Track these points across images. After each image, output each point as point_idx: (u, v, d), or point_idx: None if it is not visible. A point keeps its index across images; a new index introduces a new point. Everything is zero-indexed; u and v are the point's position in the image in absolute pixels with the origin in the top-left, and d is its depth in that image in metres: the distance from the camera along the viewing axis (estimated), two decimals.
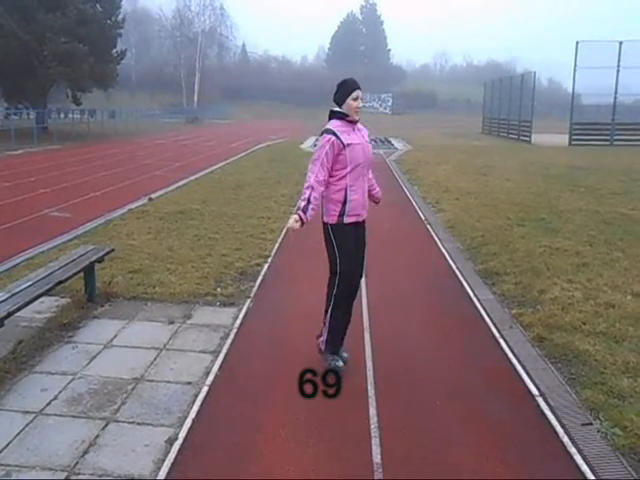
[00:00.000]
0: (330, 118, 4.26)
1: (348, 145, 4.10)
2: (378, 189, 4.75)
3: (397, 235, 9.15)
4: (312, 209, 4.03)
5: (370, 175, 4.52)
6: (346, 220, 4.21)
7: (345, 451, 3.47)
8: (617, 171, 17.60)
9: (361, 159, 4.19)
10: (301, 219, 3.95)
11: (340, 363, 4.40)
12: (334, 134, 4.10)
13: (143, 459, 3.36)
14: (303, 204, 4.01)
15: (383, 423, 3.76)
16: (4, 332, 4.45)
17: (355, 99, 4.16)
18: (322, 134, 4.18)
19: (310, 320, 5.31)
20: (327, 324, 4.39)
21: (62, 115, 42.08)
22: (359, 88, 4.19)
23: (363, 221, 4.39)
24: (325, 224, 4.27)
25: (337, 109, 4.23)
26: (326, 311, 4.40)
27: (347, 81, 4.24)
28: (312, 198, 4.02)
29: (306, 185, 4.09)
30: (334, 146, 4.08)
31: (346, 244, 4.24)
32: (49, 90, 33.56)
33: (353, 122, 4.22)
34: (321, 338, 4.48)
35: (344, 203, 4.18)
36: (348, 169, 4.14)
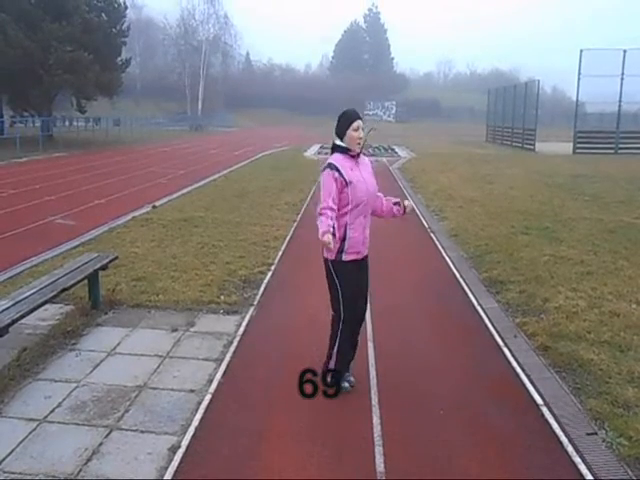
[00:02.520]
0: (332, 152, 4.19)
1: (350, 183, 4.01)
2: (398, 208, 4.46)
3: (400, 243, 9.14)
4: (333, 226, 3.91)
5: (380, 195, 4.38)
6: (345, 257, 4.12)
7: (348, 460, 3.46)
8: (621, 179, 17.58)
9: (364, 197, 4.09)
10: (332, 232, 3.85)
11: (346, 384, 4.32)
12: (337, 170, 4.01)
13: (146, 467, 3.36)
14: (328, 222, 3.87)
15: (387, 432, 3.75)
16: (8, 339, 4.44)
17: (356, 130, 4.06)
18: (324, 169, 4.09)
19: (313, 328, 5.31)
20: (334, 359, 4.27)
21: (67, 123, 42.32)
22: (360, 118, 4.11)
23: (365, 258, 4.29)
24: (326, 260, 4.18)
25: (339, 143, 4.13)
26: (330, 347, 4.29)
27: (347, 112, 4.15)
28: (331, 217, 3.91)
29: (323, 206, 3.95)
30: (337, 182, 3.99)
31: (347, 280, 4.15)
32: (54, 98, 33.70)
33: (355, 156, 4.13)
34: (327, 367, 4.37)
35: (343, 240, 4.08)
36: (349, 207, 4.06)
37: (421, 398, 4.24)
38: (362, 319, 4.40)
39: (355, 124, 4.07)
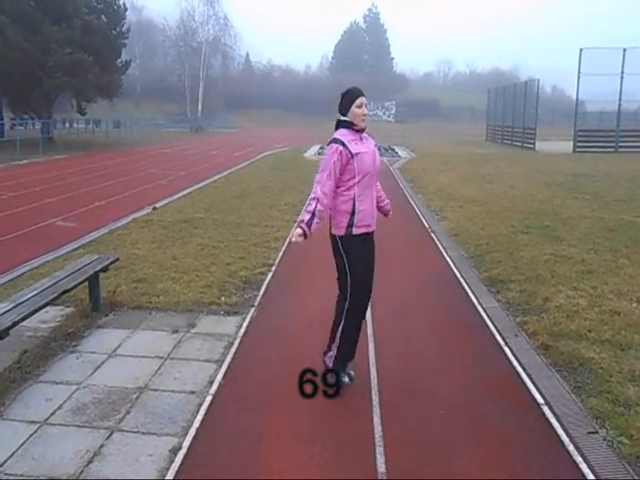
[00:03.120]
0: (337, 127, 4.18)
1: (356, 154, 4.02)
2: (388, 201, 4.65)
3: (401, 243, 9.14)
4: (317, 222, 3.95)
5: (379, 186, 4.45)
6: (355, 231, 4.10)
7: (349, 461, 3.46)
8: (622, 178, 17.58)
9: (370, 168, 4.11)
10: (304, 233, 3.88)
11: (346, 379, 4.32)
12: (342, 143, 4.01)
13: (147, 469, 3.36)
14: (307, 217, 3.93)
15: (387, 432, 3.74)
16: (9, 342, 4.44)
17: (359, 106, 4.08)
18: (329, 144, 4.10)
19: (314, 329, 5.31)
20: (337, 340, 4.27)
21: (67, 125, 42.41)
22: (363, 95, 4.12)
23: (372, 233, 4.28)
24: (333, 236, 4.17)
25: (343, 118, 4.15)
26: (335, 327, 4.29)
27: (351, 90, 4.17)
28: (317, 210, 3.95)
29: (312, 196, 4.02)
30: (342, 156, 3.99)
31: (356, 256, 4.14)
32: (54, 100, 33.74)
33: (360, 131, 4.15)
34: (329, 354, 4.36)
35: (352, 214, 4.07)
36: (356, 179, 4.05)
37: (422, 398, 4.24)
38: (369, 298, 4.37)
39: (358, 101, 4.09)
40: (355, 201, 4.08)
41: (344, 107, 4.14)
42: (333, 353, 4.33)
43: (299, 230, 3.89)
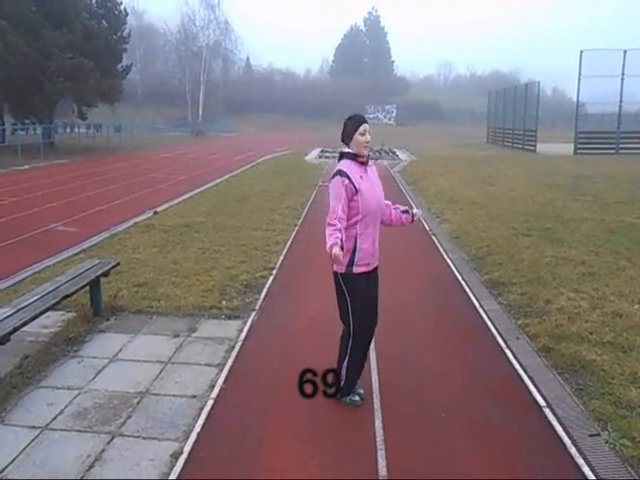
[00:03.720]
0: (340, 158, 4.12)
1: (360, 191, 3.93)
2: (406, 216, 4.45)
3: (402, 246, 9.13)
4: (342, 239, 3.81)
5: (389, 202, 4.34)
6: (355, 270, 4.02)
7: (351, 464, 3.46)
8: (623, 180, 17.57)
9: (373, 208, 4.03)
10: (340, 246, 3.74)
11: (357, 398, 4.23)
12: (347, 177, 3.92)
13: (148, 473, 3.36)
14: (335, 236, 3.76)
15: (389, 436, 3.74)
16: (10, 347, 4.45)
17: (362, 134, 4.00)
18: (333, 176, 4.01)
19: (315, 332, 5.32)
20: (344, 374, 4.20)
21: (68, 130, 42.48)
22: (366, 122, 4.06)
23: (375, 269, 4.21)
24: (335, 273, 4.10)
25: (347, 150, 4.07)
26: (339, 361, 4.22)
27: (353, 117, 4.09)
28: (342, 241, 3.80)
29: (333, 228, 3.82)
30: (347, 189, 3.91)
31: (358, 294, 4.05)
32: (55, 105, 33.79)
33: (364, 163, 4.07)
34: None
35: (353, 252, 4.00)
36: (359, 217, 3.96)
37: (423, 401, 4.23)
38: (372, 333, 4.29)
39: (362, 128, 4.01)
40: (357, 240, 4.01)
41: (347, 135, 4.06)
42: (342, 380, 4.25)
43: (336, 249, 3.70)
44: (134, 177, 19.51)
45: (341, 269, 4.03)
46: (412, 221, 4.47)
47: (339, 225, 3.85)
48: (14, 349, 4.76)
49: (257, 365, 4.83)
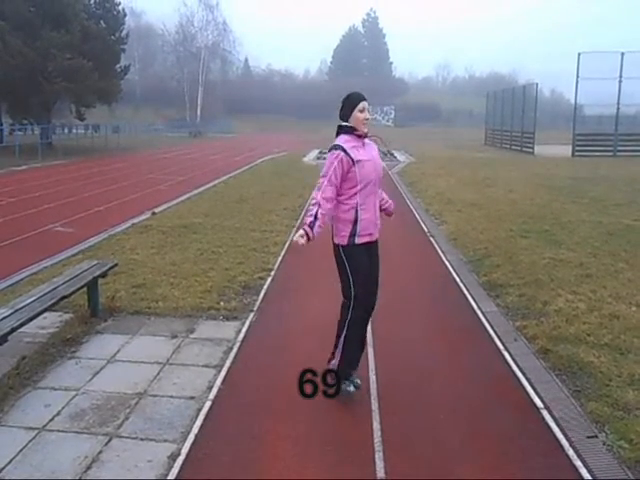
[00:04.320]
0: (338, 134, 4.11)
1: (358, 162, 3.94)
2: (390, 202, 4.58)
3: (400, 247, 9.14)
4: (319, 226, 3.87)
5: (380, 189, 4.36)
6: (358, 240, 4.04)
7: (348, 466, 3.45)
8: (621, 182, 17.59)
9: (372, 176, 4.03)
10: (307, 234, 3.80)
11: (351, 388, 4.24)
12: (343, 150, 3.94)
13: (146, 475, 3.35)
14: (309, 220, 3.85)
15: (387, 437, 3.74)
16: (7, 348, 4.44)
17: (362, 111, 4.03)
18: (330, 150, 4.03)
19: (314, 334, 5.31)
20: (341, 348, 4.21)
21: (66, 130, 42.42)
22: (365, 100, 4.06)
23: (376, 240, 4.22)
24: (336, 245, 4.10)
25: (345, 124, 4.09)
26: (338, 336, 4.22)
27: (352, 94, 4.11)
28: (319, 214, 3.87)
29: (313, 202, 3.94)
30: (343, 163, 3.92)
31: (359, 266, 4.07)
32: (53, 106, 33.77)
33: (362, 137, 4.08)
34: (332, 361, 4.31)
35: (355, 223, 4.01)
36: (358, 187, 3.97)
37: (421, 403, 4.23)
38: (373, 306, 4.31)
39: (361, 105, 4.04)
40: (357, 210, 4.01)
41: (346, 112, 4.08)
42: (336, 361, 4.28)
43: (301, 231, 3.82)
44: (132, 178, 19.51)
45: (342, 241, 4.05)
46: (390, 214, 4.60)
47: (319, 197, 3.92)
48: (11, 350, 4.75)
49: (255, 366, 4.82)
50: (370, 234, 4.11)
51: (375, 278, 4.28)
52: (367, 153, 4.07)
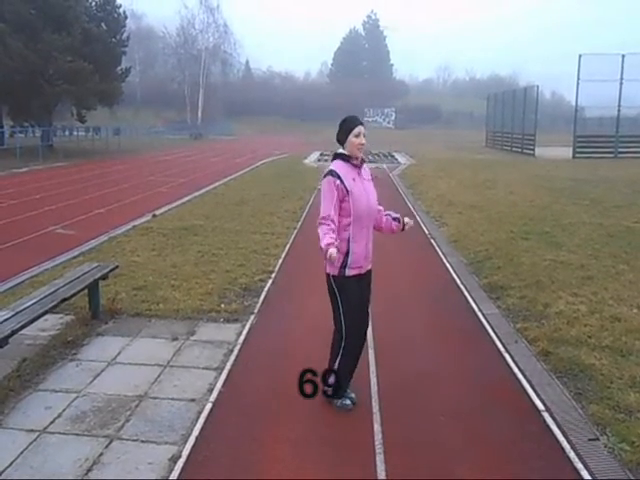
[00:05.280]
0: (333, 159, 4.11)
1: (351, 193, 3.93)
2: (396, 224, 4.41)
3: (400, 250, 9.13)
4: (333, 238, 3.83)
5: (381, 208, 4.32)
6: (348, 272, 4.01)
7: (349, 468, 3.45)
8: (621, 184, 17.58)
9: (365, 210, 4.02)
10: (337, 247, 3.78)
11: (348, 402, 4.21)
12: (338, 177, 3.92)
13: (147, 477, 3.35)
14: (332, 240, 3.78)
15: (387, 439, 3.73)
16: (8, 350, 4.44)
17: (357, 135, 3.99)
18: (325, 176, 4.02)
19: (314, 335, 5.31)
20: (335, 373, 4.18)
21: (67, 133, 42.45)
22: (361, 124, 4.05)
23: (368, 272, 4.21)
24: (328, 275, 4.07)
25: (341, 151, 4.07)
26: (331, 360, 4.22)
27: (348, 118, 4.09)
28: (332, 232, 3.83)
29: (326, 228, 3.84)
30: (338, 190, 3.91)
31: (349, 297, 4.05)
32: (54, 108, 33.81)
33: (358, 166, 4.06)
34: (329, 380, 4.25)
35: (347, 254, 3.98)
36: (351, 219, 3.96)
37: (422, 405, 4.23)
38: (364, 335, 4.30)
39: (357, 130, 4.01)
40: (350, 242, 4.00)
41: (342, 136, 4.06)
42: (332, 382, 4.24)
43: (334, 249, 3.74)
44: (133, 180, 19.51)
45: (334, 271, 4.03)
46: (403, 229, 4.45)
47: (332, 225, 3.87)
48: (12, 352, 4.75)
49: (256, 368, 4.82)
50: (360, 267, 4.09)
51: (365, 309, 4.26)
52: (362, 185, 4.04)
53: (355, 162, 4.05)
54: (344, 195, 3.93)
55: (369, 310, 4.31)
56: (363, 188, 4.04)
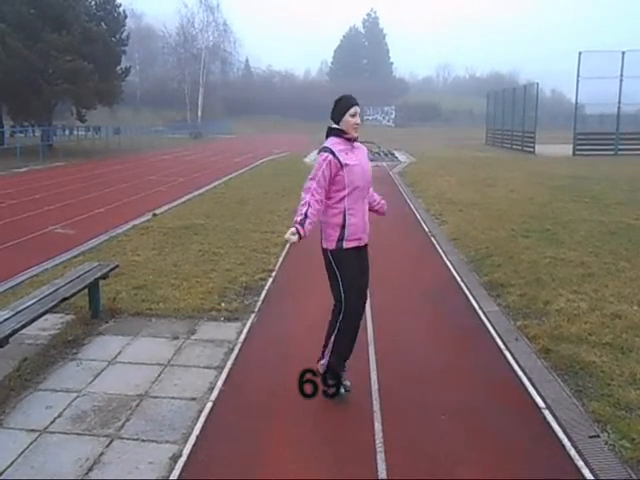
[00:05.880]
0: (327, 135, 4.11)
1: (346, 165, 3.94)
2: (382, 202, 4.55)
3: (401, 248, 9.13)
4: (310, 223, 3.86)
5: (371, 191, 4.36)
6: (346, 245, 4.04)
7: (350, 467, 3.45)
8: (621, 181, 17.57)
9: (360, 181, 4.03)
10: (298, 232, 3.80)
11: (342, 390, 4.24)
12: (332, 152, 3.95)
13: (147, 476, 3.35)
14: (300, 218, 3.85)
15: (388, 438, 3.73)
16: (9, 350, 4.44)
17: (353, 115, 4.00)
18: (319, 152, 4.04)
19: (315, 334, 5.28)
20: (330, 348, 4.22)
21: (67, 132, 42.45)
22: (357, 104, 4.04)
23: (365, 245, 4.22)
24: (325, 250, 4.09)
25: (335, 126, 4.08)
26: (328, 336, 4.23)
27: (344, 97, 4.09)
28: (309, 213, 3.87)
29: (302, 203, 3.93)
30: (331, 165, 3.93)
31: (348, 270, 4.07)
32: (54, 108, 33.83)
33: (351, 140, 4.07)
34: (322, 361, 4.32)
35: (343, 227, 4.01)
36: (346, 191, 3.98)
37: (423, 403, 4.22)
38: (363, 310, 4.31)
39: (352, 110, 4.02)
40: (345, 214, 4.02)
41: (337, 115, 4.07)
42: (325, 361, 4.28)
43: (292, 229, 3.80)
44: (133, 179, 19.51)
45: (331, 245, 4.05)
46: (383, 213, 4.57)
47: (307, 198, 3.92)
48: (13, 352, 4.76)
49: (256, 367, 4.82)
50: (359, 239, 4.11)
51: (364, 282, 4.28)
52: (356, 157, 4.06)
53: (348, 137, 4.06)
54: (338, 169, 3.95)
55: (368, 284, 4.32)
56: (357, 159, 4.06)
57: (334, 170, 3.95)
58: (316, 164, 4.03)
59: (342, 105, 4.06)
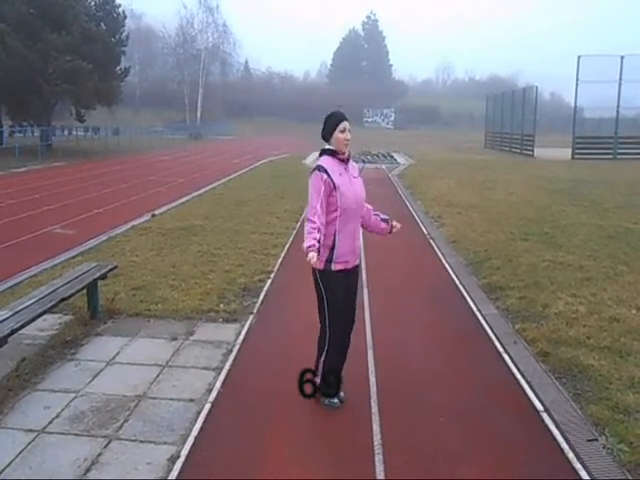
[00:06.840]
0: (320, 155, 4.12)
1: (338, 187, 3.93)
2: (390, 224, 4.43)
3: (400, 250, 9.13)
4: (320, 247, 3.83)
5: (370, 207, 4.33)
6: (334, 267, 4.02)
7: (348, 468, 3.45)
8: (620, 185, 17.60)
9: (352, 204, 4.01)
10: (318, 251, 3.76)
11: (335, 400, 4.21)
12: (326, 172, 3.93)
13: (145, 477, 3.34)
14: (314, 241, 3.75)
15: (386, 440, 3.73)
16: (7, 350, 4.44)
17: (342, 131, 4.00)
18: (313, 171, 4.01)
19: (313, 336, 5.27)
20: (321, 369, 4.19)
21: (66, 132, 42.40)
22: (346, 120, 4.05)
23: (355, 268, 4.19)
24: (313, 270, 4.08)
25: (327, 146, 4.08)
26: (319, 356, 4.21)
27: (333, 114, 4.09)
28: (321, 239, 3.82)
29: (313, 226, 3.82)
30: (326, 184, 3.91)
31: (334, 293, 4.05)
32: (53, 108, 33.80)
33: (345, 161, 4.06)
34: (316, 378, 4.27)
35: (332, 249, 4.00)
36: (338, 213, 3.96)
37: (421, 405, 4.23)
38: (349, 332, 4.26)
39: (342, 125, 4.01)
40: (335, 236, 4.00)
41: (327, 132, 4.06)
42: (319, 379, 4.23)
43: (314, 253, 3.72)
44: (132, 180, 19.50)
45: (319, 265, 4.01)
46: (390, 232, 4.46)
47: (318, 223, 3.86)
48: (11, 352, 4.75)
49: (255, 368, 4.82)
50: (346, 262, 4.08)
51: (351, 305, 4.24)
52: (349, 180, 4.04)
53: (341, 157, 4.05)
54: (331, 190, 3.93)
55: (355, 306, 4.29)
56: (350, 183, 4.04)
57: (328, 190, 3.93)
58: (312, 184, 3.97)
59: (331, 122, 4.04)
